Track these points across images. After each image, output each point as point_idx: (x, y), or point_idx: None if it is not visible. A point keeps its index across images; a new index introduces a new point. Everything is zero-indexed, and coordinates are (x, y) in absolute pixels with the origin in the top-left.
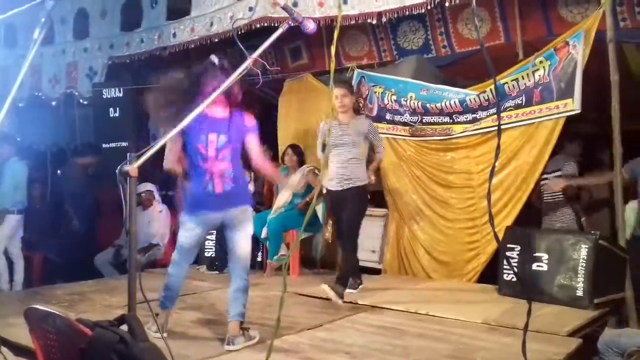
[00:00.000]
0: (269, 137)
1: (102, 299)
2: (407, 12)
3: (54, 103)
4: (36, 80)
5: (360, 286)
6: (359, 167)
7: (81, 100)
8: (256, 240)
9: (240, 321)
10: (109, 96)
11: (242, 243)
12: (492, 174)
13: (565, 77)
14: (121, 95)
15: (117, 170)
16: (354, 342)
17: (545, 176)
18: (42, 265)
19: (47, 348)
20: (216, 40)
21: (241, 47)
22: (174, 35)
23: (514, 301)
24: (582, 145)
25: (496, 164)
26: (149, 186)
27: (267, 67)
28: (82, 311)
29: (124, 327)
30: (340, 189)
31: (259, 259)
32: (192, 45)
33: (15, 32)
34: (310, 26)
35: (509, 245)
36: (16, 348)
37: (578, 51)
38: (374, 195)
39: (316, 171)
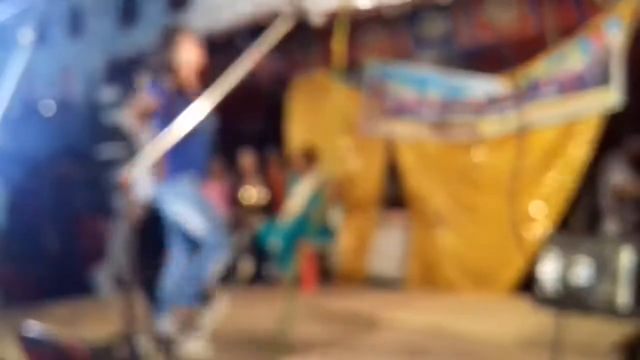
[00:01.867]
0: (275, 139)
1: (99, 318)
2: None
3: (49, 108)
4: (29, 83)
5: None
6: None
7: (77, 104)
8: (262, 252)
9: None
10: (105, 98)
11: None
12: (516, 174)
13: (601, 65)
14: (118, 97)
15: (112, 179)
16: None
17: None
18: (34, 282)
19: None
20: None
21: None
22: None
23: (551, 314)
24: None
25: (525, 163)
26: None
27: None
28: (78, 330)
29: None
30: None
31: (271, 272)
32: None
33: (6, 35)
34: (317, 19)
35: (545, 252)
36: None
37: (614, 38)
38: (394, 200)
39: (332, 176)
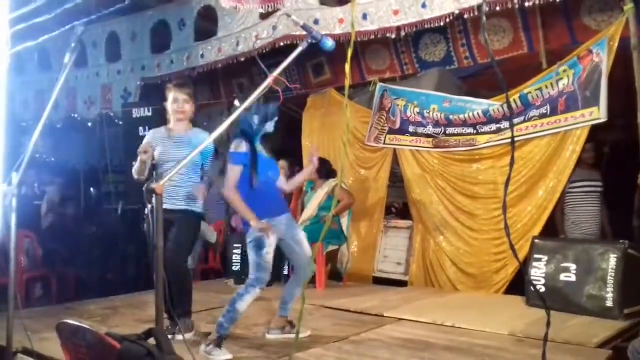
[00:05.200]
0: (294, 152)
1: (133, 314)
2: (426, 26)
3: (89, 124)
4: (71, 102)
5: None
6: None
7: (116, 120)
8: (281, 253)
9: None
10: (138, 115)
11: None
12: (507, 185)
13: (590, 85)
14: (150, 114)
15: (143, 188)
16: (379, 354)
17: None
18: (75, 282)
19: None
20: (242, 59)
21: (262, 65)
22: (202, 55)
23: (543, 312)
24: None
25: (516, 174)
26: None
27: (287, 84)
28: (113, 325)
29: (152, 341)
30: None
31: (285, 272)
32: (220, 65)
33: (49, 57)
34: (329, 44)
35: (536, 256)
36: None
37: (602, 59)
38: (399, 207)
39: (343, 185)
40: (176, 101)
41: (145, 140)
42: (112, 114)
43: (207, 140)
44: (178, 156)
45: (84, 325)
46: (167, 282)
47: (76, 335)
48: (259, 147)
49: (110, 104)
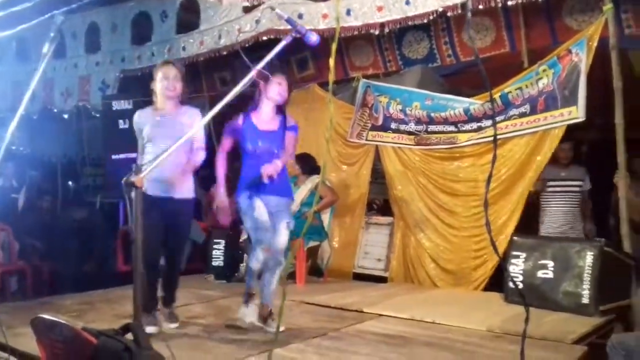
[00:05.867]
0: None
1: (111, 309)
2: (410, 23)
3: (65, 116)
4: (48, 93)
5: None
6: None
7: (93, 113)
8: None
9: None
10: (118, 108)
11: None
12: (488, 182)
13: (569, 85)
14: (130, 107)
15: (122, 181)
16: (359, 350)
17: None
18: (51, 276)
19: (53, 357)
20: (224, 53)
21: (245, 59)
22: (184, 48)
23: (520, 309)
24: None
25: (496, 172)
26: None
27: (271, 77)
28: (90, 320)
29: (130, 336)
30: None
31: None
32: (202, 58)
33: (27, 47)
34: (313, 38)
35: (514, 253)
36: (24, 357)
37: (581, 59)
38: (380, 204)
39: (327, 182)
40: (166, 78)
41: (133, 122)
42: (89, 106)
43: (198, 124)
44: (168, 136)
45: (60, 320)
46: (166, 274)
47: (52, 331)
48: (257, 119)
49: (88, 95)
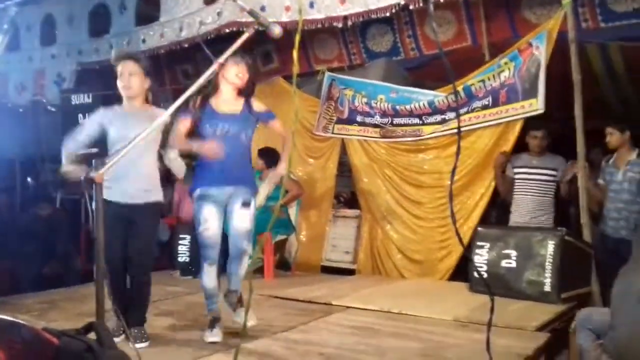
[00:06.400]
0: None
1: (73, 307)
2: (373, 16)
3: (21, 110)
4: (2, 87)
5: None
6: None
7: (49, 107)
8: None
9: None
10: (77, 102)
11: None
12: (453, 174)
13: (529, 77)
14: (90, 101)
15: (82, 177)
16: (327, 342)
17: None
18: (10, 275)
19: (12, 359)
20: (185, 45)
21: (207, 52)
22: (144, 40)
23: (485, 298)
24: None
25: (461, 164)
26: None
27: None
28: (52, 320)
29: (93, 335)
30: None
31: None
32: (162, 51)
33: None
34: (276, 31)
35: (478, 243)
36: None
37: (541, 52)
38: (347, 197)
39: (292, 176)
40: (121, 75)
41: (94, 118)
42: (45, 100)
43: (162, 116)
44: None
45: (19, 321)
46: (135, 284)
47: (11, 332)
48: (216, 103)
49: (44, 89)
